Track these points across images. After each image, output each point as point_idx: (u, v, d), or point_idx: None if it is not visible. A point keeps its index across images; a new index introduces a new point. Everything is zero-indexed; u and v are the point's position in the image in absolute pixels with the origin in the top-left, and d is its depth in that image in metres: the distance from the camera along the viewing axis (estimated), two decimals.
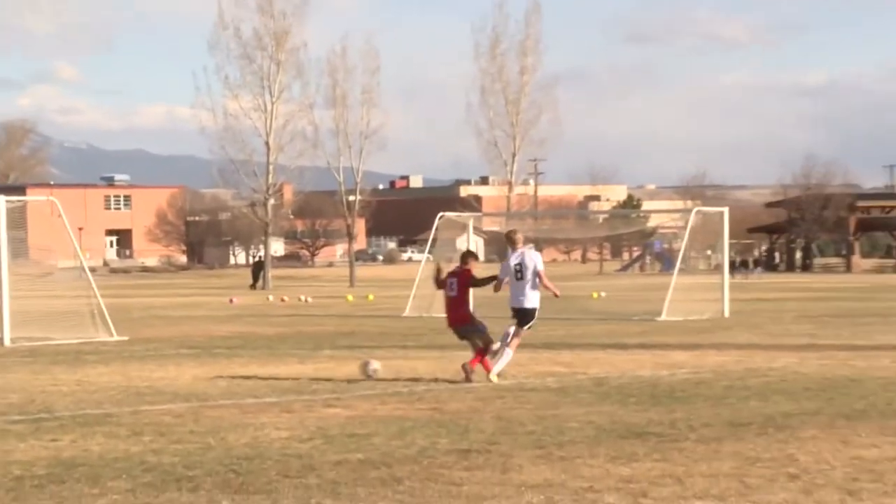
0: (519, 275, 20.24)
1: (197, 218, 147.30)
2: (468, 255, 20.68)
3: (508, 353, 20.28)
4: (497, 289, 20.44)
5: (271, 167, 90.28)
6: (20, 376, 22.01)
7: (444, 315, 20.68)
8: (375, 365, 20.83)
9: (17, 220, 31.94)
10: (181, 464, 12.56)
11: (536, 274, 20.24)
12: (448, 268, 20.97)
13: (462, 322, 20.24)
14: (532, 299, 20.26)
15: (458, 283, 20.22)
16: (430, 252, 45.86)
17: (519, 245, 20.51)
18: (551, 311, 22.51)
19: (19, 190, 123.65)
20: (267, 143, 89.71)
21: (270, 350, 27.70)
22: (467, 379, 19.88)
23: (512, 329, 20.37)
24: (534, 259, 20.37)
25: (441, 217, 45.51)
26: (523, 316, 20.33)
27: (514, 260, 20.32)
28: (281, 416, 16.23)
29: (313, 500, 10.72)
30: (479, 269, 20.61)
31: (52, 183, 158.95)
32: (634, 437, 14.02)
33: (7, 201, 31.32)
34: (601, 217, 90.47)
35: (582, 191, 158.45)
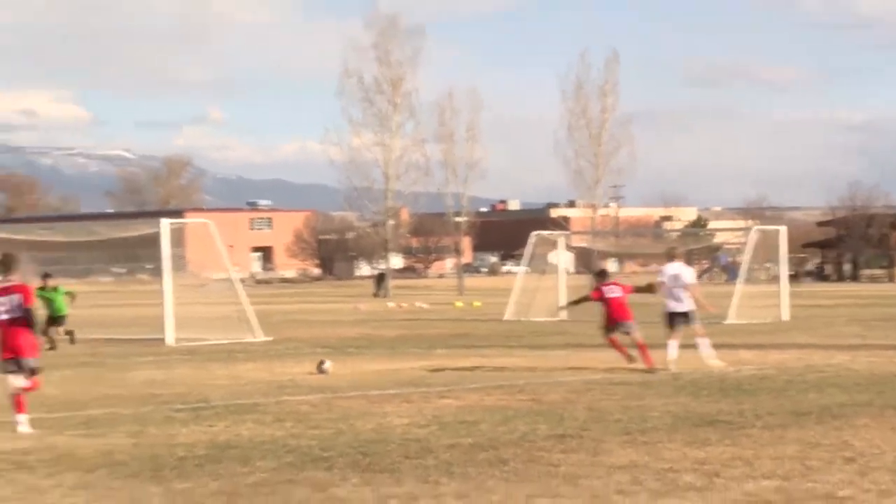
0: (676, 283, 21.04)
1: (328, 237, 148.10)
2: (604, 273, 22.05)
3: (706, 342, 21.56)
4: (656, 290, 21.35)
5: (389, 193, 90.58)
6: (182, 371, 22.21)
7: (607, 315, 21.30)
8: (327, 364, 21.43)
9: (178, 239, 32.33)
10: (317, 446, 12.56)
11: (687, 284, 21.16)
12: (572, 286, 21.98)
13: (629, 318, 21.23)
14: (688, 303, 21.10)
15: (621, 288, 21.44)
16: (526, 265, 45.67)
17: (677, 260, 21.46)
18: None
19: (178, 214, 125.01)
20: (385, 173, 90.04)
21: (392, 349, 27.71)
22: (631, 361, 20.83)
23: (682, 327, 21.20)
24: (686, 272, 21.36)
25: (535, 235, 45.39)
26: (683, 316, 21.09)
27: (672, 271, 21.17)
28: (401, 405, 16.19)
29: (431, 479, 10.65)
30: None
31: (205, 208, 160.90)
32: (707, 424, 13.80)
33: (170, 223, 31.70)
34: (674, 234, 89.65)
35: (657, 212, 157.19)
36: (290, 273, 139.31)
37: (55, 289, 30.51)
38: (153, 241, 31.48)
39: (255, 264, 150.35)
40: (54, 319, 30.13)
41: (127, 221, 69.17)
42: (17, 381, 14.00)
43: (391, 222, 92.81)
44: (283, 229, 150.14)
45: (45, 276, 30.39)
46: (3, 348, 13.91)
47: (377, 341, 31.09)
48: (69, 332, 30.52)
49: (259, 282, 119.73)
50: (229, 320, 32.07)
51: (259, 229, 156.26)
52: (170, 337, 30.25)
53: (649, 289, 21.54)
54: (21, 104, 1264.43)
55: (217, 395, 17.90)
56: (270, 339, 31.55)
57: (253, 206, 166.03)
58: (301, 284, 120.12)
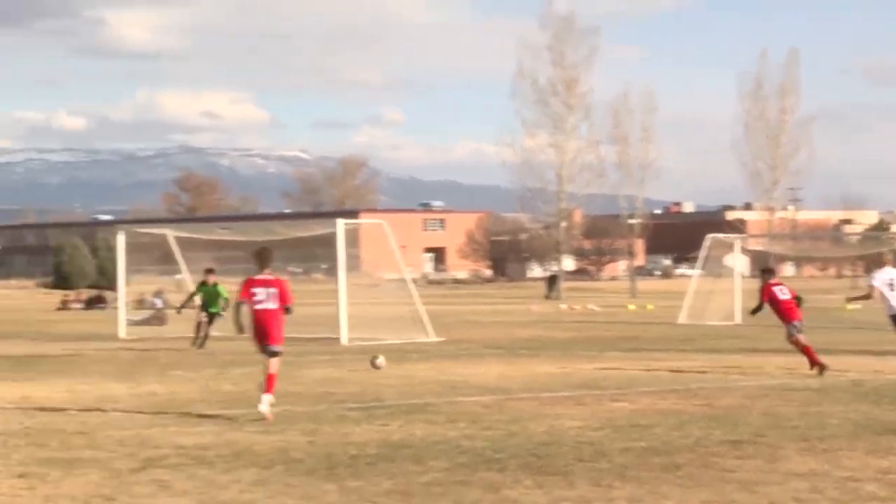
0: (891, 288, 21.17)
1: (500, 238, 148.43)
2: (771, 272, 21.82)
3: None
4: (869, 296, 21.53)
5: (563, 195, 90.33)
6: (356, 371, 22.47)
7: (783, 314, 21.20)
8: (380, 360, 21.38)
9: (352, 239, 32.79)
10: (490, 448, 12.59)
11: None
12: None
13: (798, 318, 21.17)
14: None
15: (788, 290, 21.37)
16: (701, 268, 45.07)
17: (889, 265, 21.46)
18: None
19: (353, 214, 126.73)
20: (559, 175, 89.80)
21: (563, 351, 27.62)
22: (822, 369, 20.65)
23: None
24: None
25: (710, 238, 44.75)
26: None
27: (886, 276, 21.23)
28: (574, 408, 16.12)
29: (604, 482, 10.58)
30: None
31: (379, 208, 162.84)
32: (890, 433, 13.41)
33: (344, 224, 32.15)
34: (854, 238, 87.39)
35: (836, 215, 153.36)
36: (462, 274, 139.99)
37: (215, 285, 29.44)
38: (329, 241, 32.00)
39: (427, 265, 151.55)
40: (213, 316, 29.19)
41: (303, 221, 70.38)
42: (271, 365, 15.33)
43: (564, 224, 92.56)
44: (456, 230, 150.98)
45: (209, 271, 30.25)
46: (257, 335, 15.40)
47: (549, 343, 31.03)
48: (201, 336, 28.93)
49: (431, 282, 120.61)
50: (402, 320, 32.36)
51: (432, 230, 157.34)
52: (344, 336, 30.65)
53: (866, 297, 21.65)
54: (202, 106, 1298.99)
55: (390, 395, 18.08)
56: (443, 339, 31.73)
57: (426, 207, 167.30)
58: (473, 285, 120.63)
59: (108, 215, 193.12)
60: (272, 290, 15.42)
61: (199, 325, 29.29)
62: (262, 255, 15.77)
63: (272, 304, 15.39)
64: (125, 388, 19.55)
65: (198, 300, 29.67)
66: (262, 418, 14.90)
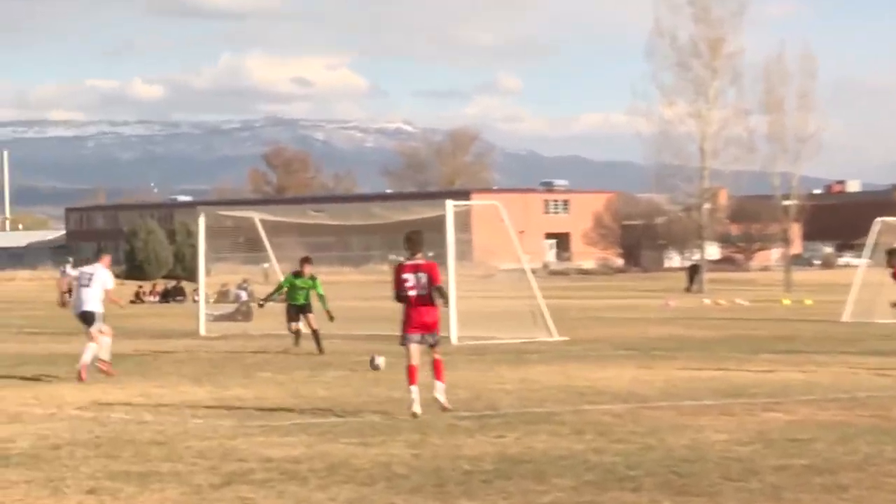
0: None
1: (632, 222, 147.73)
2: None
3: None
4: None
5: (706, 172, 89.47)
6: (467, 374, 22.51)
7: None
8: (379, 360, 22.18)
9: (463, 223, 32.84)
10: (622, 463, 12.52)
11: None
12: None
13: None
14: None
15: None
16: (868, 256, 44.37)
17: None
18: None
19: (464, 195, 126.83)
20: (701, 149, 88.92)
21: (706, 352, 27.39)
22: None
23: None
24: None
25: (879, 222, 44.03)
26: None
27: None
28: (719, 418, 15.97)
29: None
30: None
31: (494, 188, 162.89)
32: None
33: (454, 206, 32.20)
34: None
35: None
36: (589, 263, 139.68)
37: (313, 278, 28.70)
38: (436, 226, 32.00)
39: (549, 253, 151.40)
40: (300, 308, 28.55)
41: (407, 203, 70.69)
42: (415, 354, 16.72)
43: (707, 206, 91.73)
44: (582, 213, 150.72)
45: (305, 260, 29.55)
46: (408, 323, 16.66)
47: (689, 343, 30.80)
48: (314, 332, 28.26)
49: (553, 273, 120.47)
50: (520, 316, 32.34)
51: (554, 213, 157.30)
52: (453, 334, 30.70)
53: None
54: (294, 72, 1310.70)
55: (506, 402, 18.06)
56: (566, 338, 31.65)
57: (547, 187, 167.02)
58: (601, 276, 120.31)
59: (187, 196, 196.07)
60: (422, 274, 16.60)
61: (293, 323, 28.76)
62: (412, 239, 16.96)
63: (424, 290, 16.58)
64: (206, 393, 19.80)
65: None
66: (414, 416, 16.08)
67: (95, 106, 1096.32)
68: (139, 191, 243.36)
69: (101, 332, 22.43)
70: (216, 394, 19.60)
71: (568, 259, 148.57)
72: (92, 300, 22.58)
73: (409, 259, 16.83)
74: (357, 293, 50.54)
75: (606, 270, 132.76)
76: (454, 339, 30.46)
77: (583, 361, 25.08)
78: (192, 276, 67.82)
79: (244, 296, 49.97)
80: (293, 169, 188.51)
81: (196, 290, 42.63)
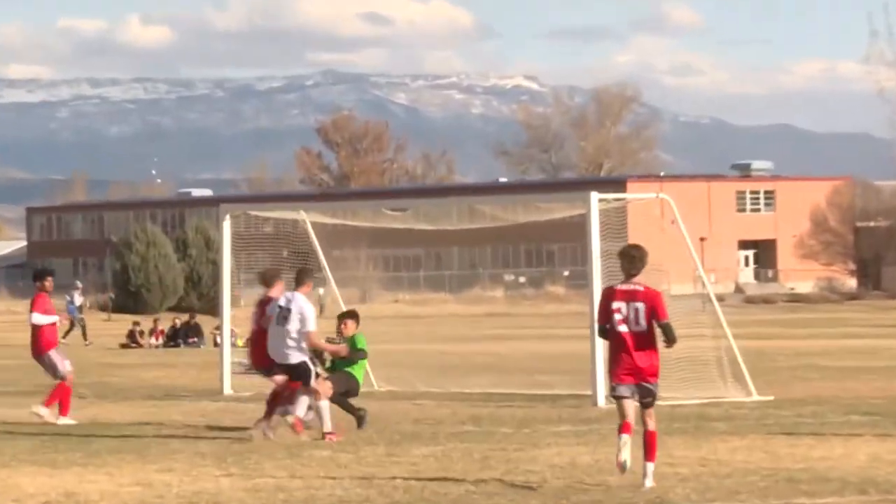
0: None
1: (871, 223, 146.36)
2: None
3: None
4: None
5: None
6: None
7: None
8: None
9: (615, 226, 32.71)
10: None
11: None
12: None
13: None
14: None
15: None
16: None
17: None
18: None
19: (616, 184, 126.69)
20: None
21: None
22: None
23: None
24: None
25: None
26: None
27: None
28: None
29: None
30: None
31: (661, 174, 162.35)
32: None
33: (601, 200, 32.06)
34: None
35: None
36: (805, 286, 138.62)
37: (353, 339, 26.66)
38: (573, 231, 32.01)
39: (743, 270, 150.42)
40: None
41: (530, 197, 70.56)
42: (630, 411, 18.07)
43: None
44: (793, 210, 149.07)
45: (347, 316, 27.43)
46: (618, 368, 18.12)
47: None
48: None
49: (750, 300, 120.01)
50: (700, 365, 32.07)
51: (752, 210, 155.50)
52: (600, 393, 30.57)
53: None
54: (363, 5, 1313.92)
55: (680, 494, 18.15)
56: (770, 398, 31.56)
57: (742, 172, 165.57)
58: (823, 305, 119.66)
59: (204, 189, 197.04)
60: (639, 304, 18.01)
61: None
62: (631, 256, 18.35)
63: (640, 326, 17.98)
64: (233, 481, 19.86)
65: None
66: (622, 469, 17.66)
67: (71, 58, 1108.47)
68: (135, 182, 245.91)
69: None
70: (247, 482, 19.67)
71: (773, 279, 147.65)
72: (294, 346, 24.06)
73: (624, 282, 18.18)
74: (456, 331, 50.69)
75: (831, 295, 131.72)
76: (601, 400, 30.40)
77: (795, 432, 24.94)
78: (212, 307, 68.27)
79: None
80: (362, 148, 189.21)
81: (218, 329, 42.86)
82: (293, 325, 24.12)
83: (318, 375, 24.39)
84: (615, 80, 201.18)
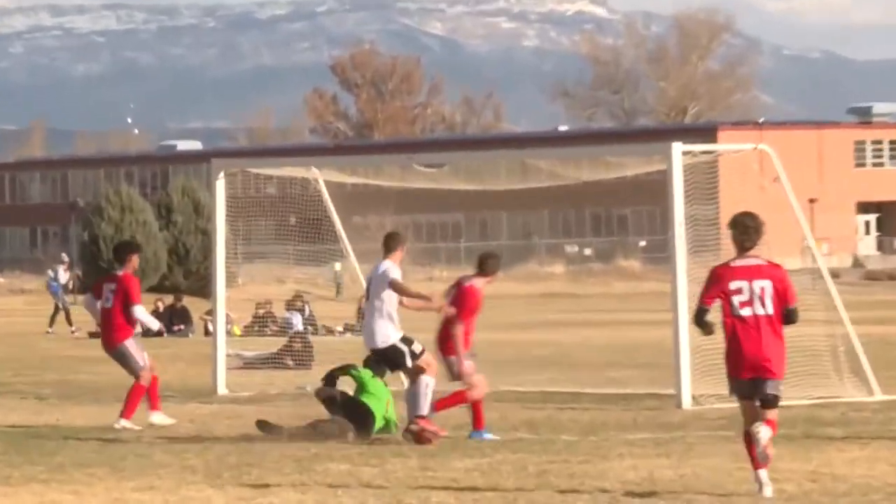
0: None
1: None
2: None
3: None
4: None
5: None
6: (716, 462, 22.47)
7: None
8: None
9: (704, 184, 32.73)
10: None
11: None
12: None
13: None
14: None
15: None
16: None
17: None
18: None
19: (705, 133, 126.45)
20: None
21: None
22: None
23: None
24: None
25: None
26: None
27: None
28: None
29: None
30: None
31: (761, 121, 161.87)
32: None
33: (684, 153, 32.05)
34: None
35: None
36: None
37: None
38: (651, 189, 31.98)
39: (864, 240, 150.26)
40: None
41: (599, 149, 70.71)
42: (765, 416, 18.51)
43: None
44: None
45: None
46: (740, 361, 18.61)
47: None
48: None
49: (871, 277, 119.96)
50: (810, 357, 32.08)
51: (874, 165, 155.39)
52: (685, 392, 30.60)
53: None
54: None
55: None
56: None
57: (862, 118, 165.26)
58: None
59: (192, 140, 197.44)
60: (764, 283, 18.30)
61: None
62: (744, 225, 18.63)
63: (764, 308, 18.37)
64: (224, 498, 19.93)
65: None
66: None
67: None
68: (105, 132, 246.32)
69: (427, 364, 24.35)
70: (238, 497, 19.73)
71: None
72: (383, 323, 24.26)
73: (738, 257, 18.23)
74: (506, 315, 50.84)
75: None
76: (686, 402, 30.45)
77: None
78: (202, 287, 68.58)
79: (297, 323, 50.20)
80: (388, 90, 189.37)
81: (210, 314, 42.98)
82: (375, 294, 24.41)
83: (413, 354, 24.34)
84: (702, 5, 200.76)
